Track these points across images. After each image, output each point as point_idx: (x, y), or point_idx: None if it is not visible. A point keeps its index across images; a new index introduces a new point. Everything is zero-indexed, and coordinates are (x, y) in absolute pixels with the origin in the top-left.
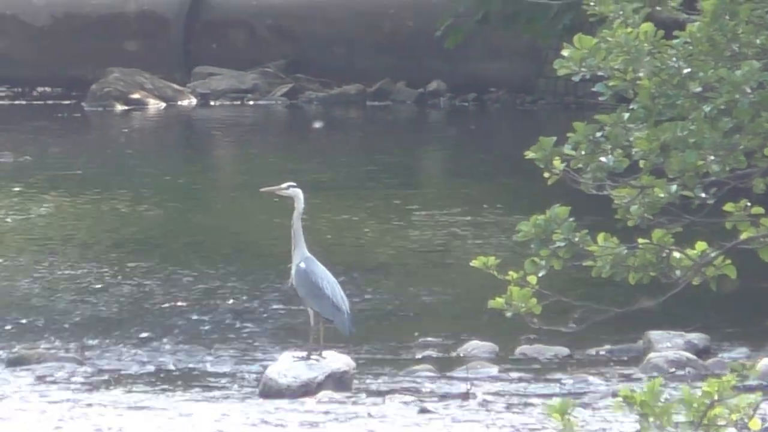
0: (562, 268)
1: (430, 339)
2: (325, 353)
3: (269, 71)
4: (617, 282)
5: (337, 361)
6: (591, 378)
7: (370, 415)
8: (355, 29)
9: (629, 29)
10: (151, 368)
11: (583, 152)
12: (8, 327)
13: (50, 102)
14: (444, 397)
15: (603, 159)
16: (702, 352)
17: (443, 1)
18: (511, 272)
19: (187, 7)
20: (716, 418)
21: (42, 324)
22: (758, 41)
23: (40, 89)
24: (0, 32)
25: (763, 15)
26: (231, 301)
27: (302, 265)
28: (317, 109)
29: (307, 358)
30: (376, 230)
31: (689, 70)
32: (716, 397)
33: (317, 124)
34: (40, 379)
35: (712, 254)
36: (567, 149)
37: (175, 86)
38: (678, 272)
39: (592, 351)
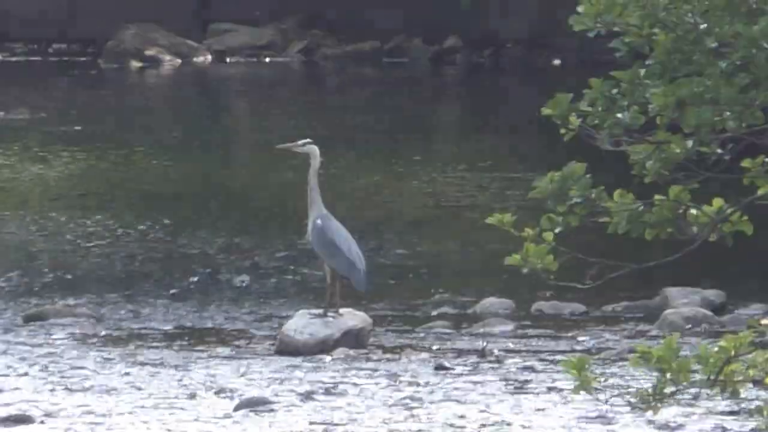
0: (578, 224)
1: (446, 296)
2: (341, 310)
3: (285, 27)
4: (634, 238)
5: (353, 318)
6: (607, 334)
7: (385, 371)
8: None
9: None
10: (167, 325)
11: (599, 109)
12: (25, 283)
13: (66, 59)
14: (460, 353)
15: (619, 115)
16: (718, 309)
17: None
18: (527, 229)
19: None
20: (733, 374)
21: (59, 280)
22: None
23: (55, 46)
24: None
25: None
26: (247, 258)
27: (318, 221)
28: (333, 66)
29: (324, 315)
30: (392, 187)
31: (705, 25)
32: (733, 353)
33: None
34: (57, 334)
35: (729, 210)
36: (583, 106)
37: (191, 43)
38: (694, 228)
39: (609, 308)
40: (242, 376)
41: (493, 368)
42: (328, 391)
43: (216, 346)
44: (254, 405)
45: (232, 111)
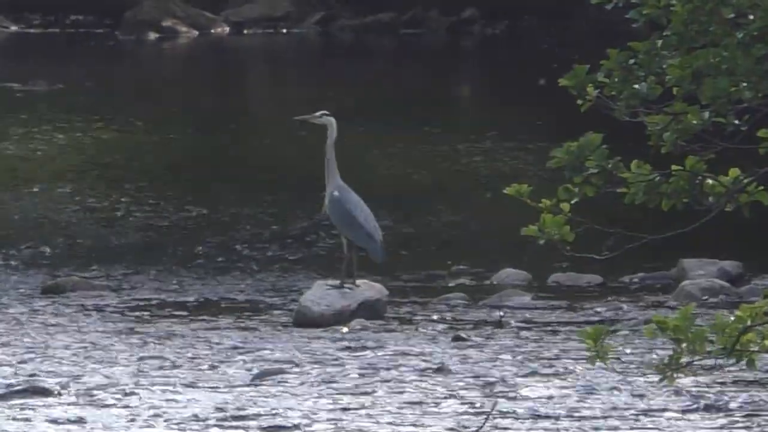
0: (595, 195)
1: (462, 267)
2: (358, 281)
3: None
4: (650, 209)
5: (370, 289)
6: (624, 305)
7: (402, 342)
8: None
9: None
10: (185, 297)
11: (616, 79)
12: (43, 255)
13: (83, 30)
14: (477, 324)
15: (636, 86)
16: (735, 279)
17: None
18: (544, 200)
19: None
20: (749, 344)
21: (76, 253)
22: None
23: (73, 17)
24: None
25: None
26: (264, 230)
27: (336, 193)
28: (350, 37)
29: (341, 286)
30: (409, 158)
31: None
32: (749, 323)
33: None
34: (75, 306)
35: (745, 180)
36: (600, 77)
37: (208, 14)
38: (711, 199)
39: (625, 278)
40: (260, 346)
41: (510, 339)
42: (344, 362)
43: (233, 317)
44: (272, 375)
45: (249, 82)
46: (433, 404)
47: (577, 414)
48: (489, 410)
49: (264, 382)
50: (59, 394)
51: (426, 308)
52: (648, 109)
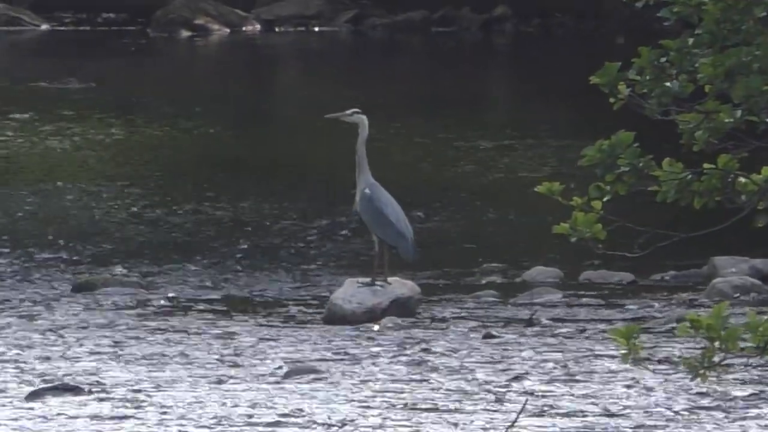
0: (626, 193)
1: (494, 265)
2: (389, 279)
3: None
4: (682, 207)
5: (401, 287)
6: (655, 304)
7: (434, 340)
8: None
9: None
10: (216, 294)
11: (647, 77)
12: (75, 253)
13: (115, 28)
14: (508, 322)
15: (668, 84)
16: (766, 277)
17: None
18: (575, 198)
19: None
20: None
21: (108, 250)
22: None
23: (104, 15)
24: None
25: None
26: (295, 227)
27: (367, 191)
28: (381, 36)
29: (372, 283)
30: (441, 156)
31: None
32: None
33: (620, 40)
34: (106, 304)
35: None
36: (632, 74)
37: (240, 12)
38: (743, 197)
39: (657, 276)
40: (290, 344)
41: (541, 337)
42: (375, 360)
43: (264, 315)
44: (302, 373)
45: (281, 80)
46: (463, 402)
47: (608, 412)
48: (520, 408)
49: (294, 381)
50: (90, 392)
51: (457, 306)
52: (680, 108)
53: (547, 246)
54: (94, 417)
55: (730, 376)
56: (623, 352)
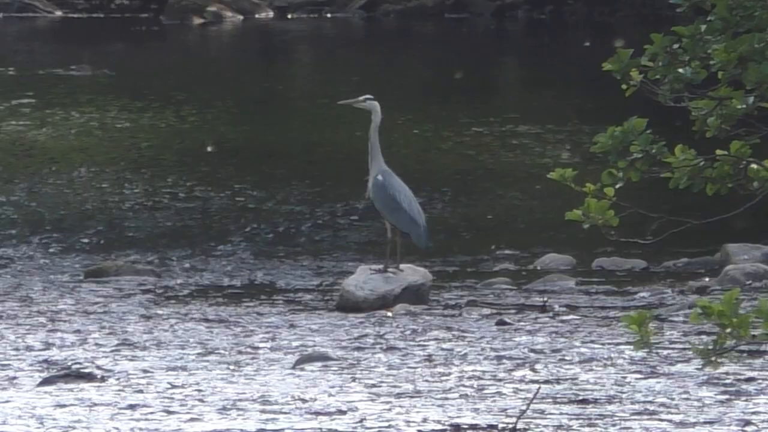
0: (639, 179)
1: (507, 251)
2: (402, 266)
3: None
4: (694, 194)
5: (414, 273)
6: (668, 290)
7: (446, 327)
8: None
9: None
10: (228, 281)
11: (660, 64)
12: (87, 240)
13: (128, 15)
14: (521, 309)
15: (680, 70)
16: None
17: None
18: (588, 184)
19: None
20: None
21: (120, 237)
22: None
23: (117, 2)
24: None
25: None
26: (307, 214)
27: (379, 177)
28: (394, 22)
29: (384, 271)
30: (453, 142)
31: None
32: None
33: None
34: (118, 291)
35: None
36: (644, 61)
37: None
38: (755, 184)
39: (669, 263)
40: (303, 331)
41: (554, 323)
42: (388, 347)
43: (276, 302)
44: (315, 360)
45: (293, 67)
46: (476, 388)
47: (620, 398)
48: (532, 395)
49: (307, 367)
50: (102, 378)
51: (470, 293)
52: (692, 94)
53: (560, 233)
54: (107, 404)
55: (742, 362)
56: (635, 338)
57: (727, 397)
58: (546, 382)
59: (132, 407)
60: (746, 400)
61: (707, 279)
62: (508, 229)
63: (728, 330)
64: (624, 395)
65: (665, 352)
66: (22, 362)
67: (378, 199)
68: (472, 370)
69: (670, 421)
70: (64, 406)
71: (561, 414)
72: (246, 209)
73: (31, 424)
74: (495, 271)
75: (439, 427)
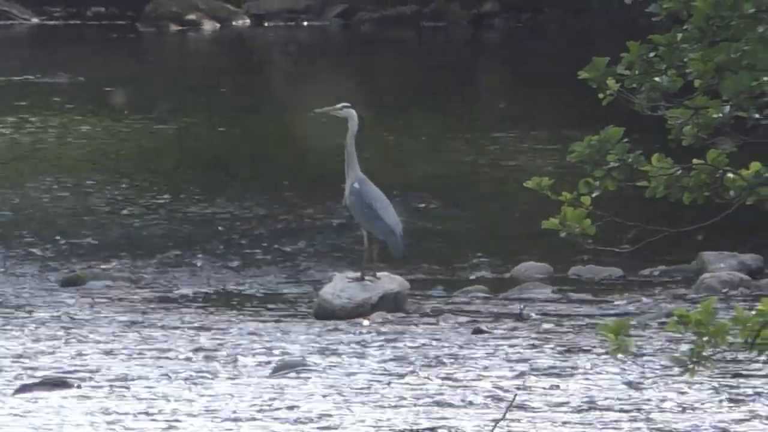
0: (616, 188)
1: (483, 260)
2: (379, 274)
3: None
4: (671, 203)
5: (391, 282)
6: (644, 298)
7: (423, 335)
8: None
9: None
10: (205, 289)
11: (636, 72)
12: (63, 248)
13: (104, 22)
14: (498, 317)
15: (657, 79)
16: (755, 272)
17: None
18: (564, 193)
19: None
20: None
21: (95, 245)
22: None
23: (94, 9)
24: None
25: None
26: (284, 222)
27: (356, 185)
28: (371, 30)
29: (361, 279)
30: (430, 150)
31: None
32: None
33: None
34: (95, 299)
35: (766, 174)
36: (620, 69)
37: (230, 7)
38: (732, 192)
39: (646, 272)
40: (279, 339)
41: (530, 331)
42: (365, 355)
43: (253, 310)
44: (291, 368)
45: (270, 75)
46: (452, 397)
47: (597, 407)
48: (509, 403)
49: (284, 376)
50: (78, 386)
51: (447, 301)
52: (668, 103)
53: (537, 241)
54: (82, 411)
55: (717, 371)
56: (612, 346)
57: (704, 405)
58: (522, 389)
59: (108, 414)
60: (724, 409)
61: (684, 287)
62: (484, 237)
63: (705, 338)
64: (601, 403)
65: (642, 360)
66: None
67: (354, 207)
68: (449, 378)
69: (648, 428)
70: (40, 413)
71: (538, 422)
72: (222, 217)
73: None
74: (472, 279)
75: None
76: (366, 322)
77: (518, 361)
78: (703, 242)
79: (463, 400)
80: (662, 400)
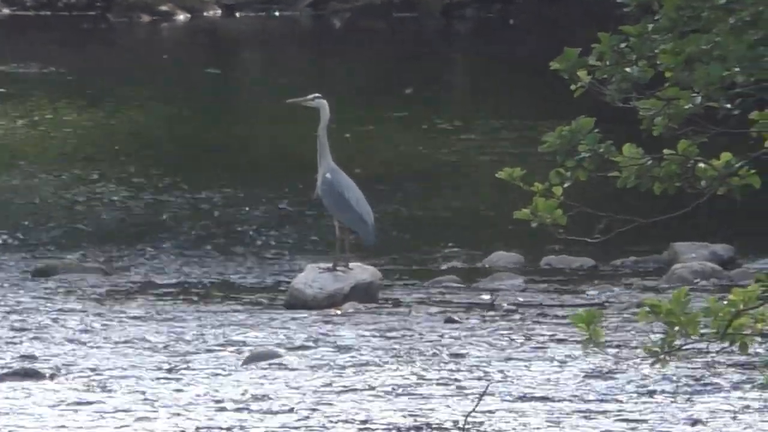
0: (587, 178)
1: (455, 250)
2: (351, 264)
3: None
4: (642, 193)
5: (363, 272)
6: (616, 289)
7: (395, 325)
8: None
9: None
10: (177, 279)
11: (607, 63)
12: (35, 238)
13: (75, 13)
14: (469, 307)
15: (628, 69)
16: (727, 263)
17: None
18: (536, 183)
19: None
20: (741, 328)
21: (67, 235)
22: None
23: (65, 0)
24: None
25: None
26: (256, 212)
27: (328, 176)
28: (342, 20)
29: (333, 269)
30: (402, 141)
31: None
32: (741, 307)
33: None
34: (66, 289)
35: (737, 164)
36: (592, 60)
37: None
38: (703, 183)
39: (617, 262)
40: (251, 329)
41: (502, 322)
42: (337, 345)
43: (225, 300)
44: (263, 359)
45: (241, 65)
46: (424, 387)
47: (569, 397)
48: (481, 393)
49: (256, 366)
50: (51, 377)
51: (419, 291)
52: (639, 94)
53: (508, 231)
54: (54, 402)
55: (688, 361)
56: (584, 337)
57: (676, 395)
58: (494, 380)
59: (81, 405)
60: (695, 399)
61: (655, 278)
62: (456, 227)
63: (677, 328)
64: (573, 394)
65: (613, 350)
66: None
67: (326, 197)
68: (421, 368)
69: (619, 419)
70: (11, 404)
71: (509, 413)
72: (194, 207)
73: None
74: (444, 270)
75: (387, 425)
76: (338, 312)
77: (490, 350)
78: (674, 232)
79: (435, 391)
80: (634, 391)
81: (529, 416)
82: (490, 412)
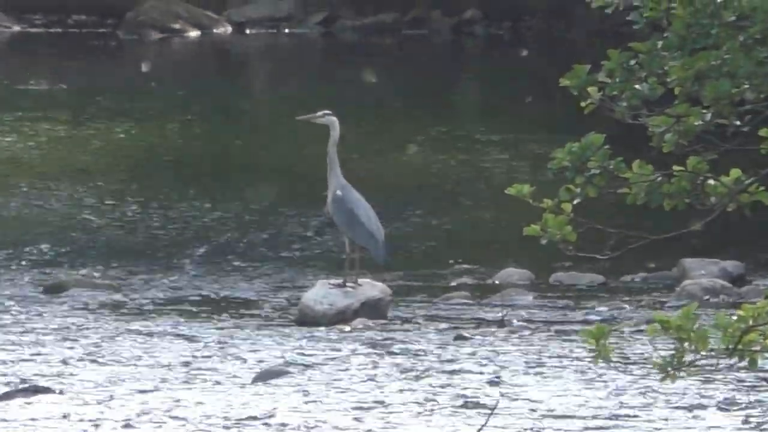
0: (597, 195)
1: (465, 266)
2: (360, 281)
3: None
4: (652, 209)
5: (372, 288)
6: (626, 305)
7: (405, 341)
8: None
9: None
10: (187, 295)
11: (617, 80)
12: (45, 254)
13: (85, 30)
14: (479, 324)
15: (637, 86)
16: (736, 280)
17: None
18: (546, 200)
19: None
20: (751, 344)
21: (77, 252)
22: None
23: (75, 17)
24: None
25: None
26: (267, 229)
27: (338, 192)
28: (352, 37)
29: (343, 285)
30: (412, 158)
31: None
32: (751, 323)
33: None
34: (77, 305)
35: (747, 181)
36: (601, 77)
37: (211, 14)
38: (713, 199)
39: (627, 278)
40: (261, 346)
41: (512, 338)
42: (346, 362)
43: (235, 316)
44: (273, 376)
45: (252, 82)
46: (435, 403)
47: (579, 413)
48: (491, 409)
49: (266, 382)
50: (61, 393)
51: (428, 307)
52: (649, 110)
53: (518, 247)
54: (64, 418)
55: (699, 377)
56: (594, 353)
57: (685, 411)
58: (504, 396)
59: (90, 421)
60: (704, 415)
61: (665, 294)
62: (466, 243)
63: (686, 344)
64: (583, 409)
65: (624, 366)
66: None
67: (337, 214)
68: (431, 385)
69: None
70: (21, 420)
71: (520, 428)
72: (205, 224)
73: None
74: (453, 286)
75: None
76: (347, 329)
77: (500, 367)
78: (684, 249)
79: (445, 408)
80: (644, 407)
81: None
82: (500, 428)
